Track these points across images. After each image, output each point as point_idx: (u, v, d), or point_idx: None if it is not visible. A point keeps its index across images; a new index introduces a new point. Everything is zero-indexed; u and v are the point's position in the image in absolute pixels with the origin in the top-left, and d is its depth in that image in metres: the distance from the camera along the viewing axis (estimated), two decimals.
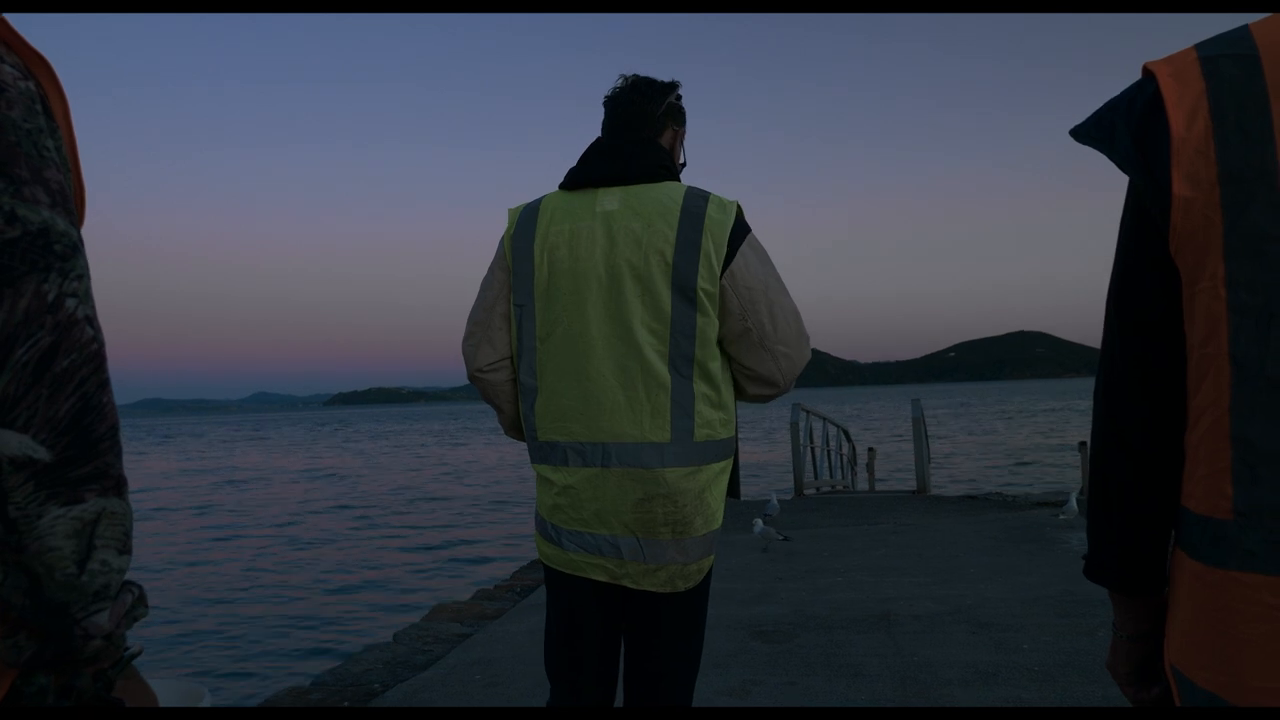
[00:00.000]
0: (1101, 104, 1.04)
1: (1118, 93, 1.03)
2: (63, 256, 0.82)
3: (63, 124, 0.89)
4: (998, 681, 3.71)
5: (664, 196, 1.90)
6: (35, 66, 0.88)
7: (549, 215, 1.97)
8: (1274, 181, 0.88)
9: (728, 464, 1.97)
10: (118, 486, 0.84)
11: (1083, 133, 1.04)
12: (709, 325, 1.86)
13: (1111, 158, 1.00)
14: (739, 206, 1.92)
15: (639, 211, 1.90)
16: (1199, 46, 0.96)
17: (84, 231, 0.90)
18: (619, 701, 2.06)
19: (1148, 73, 0.98)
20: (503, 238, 2.03)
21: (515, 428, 2.10)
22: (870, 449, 17.53)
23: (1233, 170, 0.91)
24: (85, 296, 0.83)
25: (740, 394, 2.01)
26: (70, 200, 0.86)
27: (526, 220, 2.00)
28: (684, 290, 1.85)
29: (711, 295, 1.85)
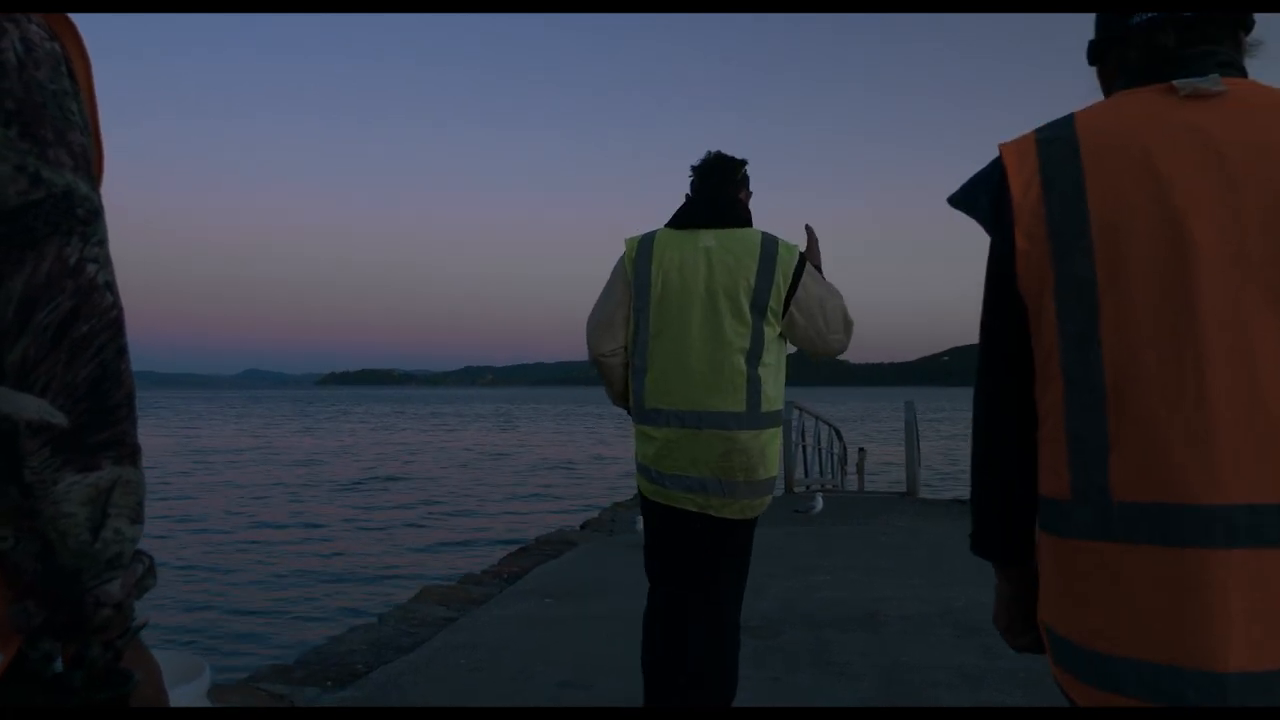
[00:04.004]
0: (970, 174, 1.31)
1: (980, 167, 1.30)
2: (84, 220, 0.81)
3: (84, 86, 0.88)
4: (984, 685, 3.71)
5: (748, 240, 2.69)
6: (59, 27, 0.87)
7: (663, 246, 2.74)
8: (1088, 237, 1.14)
9: (779, 429, 2.77)
10: (133, 455, 0.84)
11: (955, 201, 1.31)
12: (773, 333, 2.67)
13: (977, 219, 1.28)
14: (800, 249, 2.73)
15: (730, 249, 2.67)
16: (1038, 130, 1.24)
17: None
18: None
19: (999, 153, 1.25)
20: (623, 259, 2.79)
21: (621, 398, 2.87)
22: (861, 449, 17.54)
23: (1057, 228, 1.16)
24: (105, 262, 0.83)
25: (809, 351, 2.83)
26: (92, 164, 0.85)
27: (644, 249, 2.76)
28: (759, 308, 2.63)
29: (777, 313, 2.65)
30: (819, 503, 9.38)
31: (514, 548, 7.88)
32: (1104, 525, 1.14)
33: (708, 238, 2.71)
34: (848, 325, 2.78)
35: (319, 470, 26.40)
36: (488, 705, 3.55)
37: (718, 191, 2.79)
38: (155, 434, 44.81)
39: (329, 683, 3.83)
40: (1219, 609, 1.07)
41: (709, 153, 2.87)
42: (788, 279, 2.64)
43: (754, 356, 2.64)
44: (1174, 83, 1.17)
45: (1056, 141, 1.21)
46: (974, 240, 1.32)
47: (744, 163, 2.88)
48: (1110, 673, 1.14)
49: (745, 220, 2.78)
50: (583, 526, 8.92)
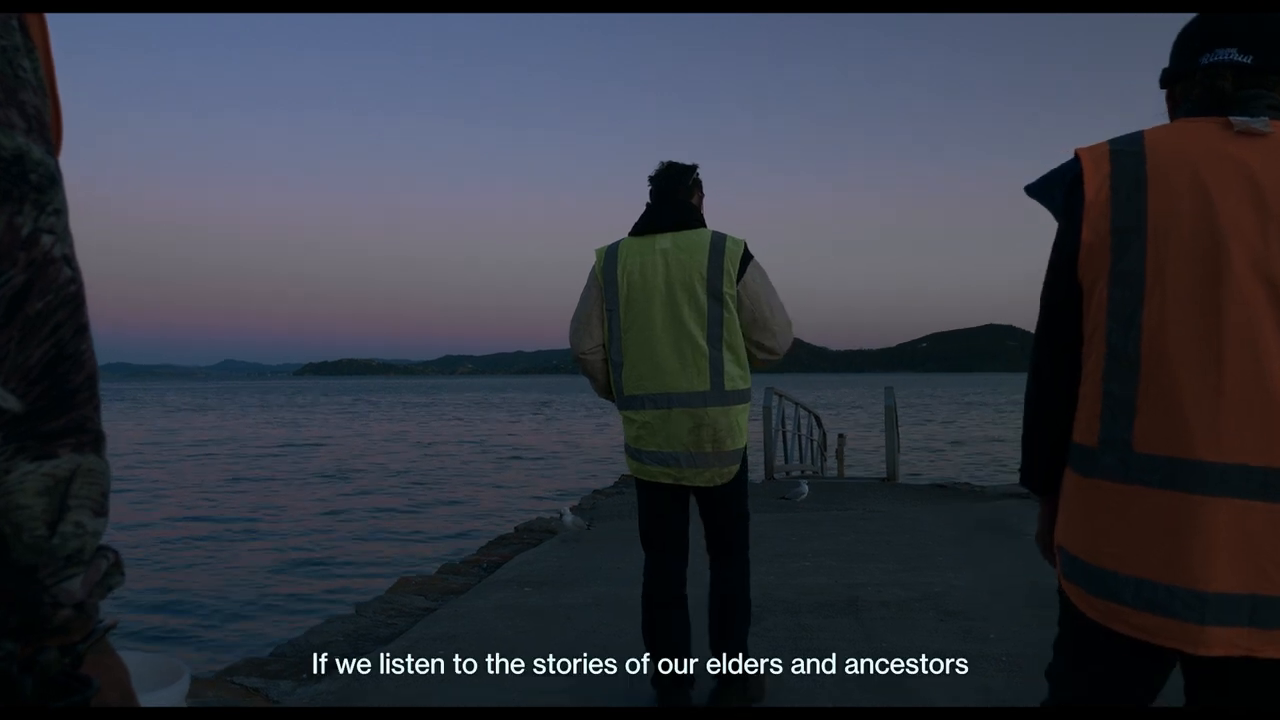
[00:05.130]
0: (1051, 165, 1.59)
1: (1058, 164, 1.57)
2: (38, 188, 0.73)
3: (40, 46, 0.80)
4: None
5: (699, 238, 3.02)
6: None
7: (625, 252, 3.08)
8: (1143, 238, 1.40)
9: (747, 405, 3.07)
10: (95, 442, 0.77)
11: (1032, 190, 1.58)
12: (730, 317, 2.97)
13: (1050, 209, 1.55)
14: (745, 242, 3.02)
15: (684, 248, 3.01)
16: (1111, 142, 1.49)
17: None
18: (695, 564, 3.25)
19: (1076, 156, 1.51)
20: (594, 267, 3.14)
21: (605, 390, 3.20)
22: (840, 435, 17.59)
23: (1119, 226, 1.42)
24: (63, 233, 0.75)
25: (751, 362, 3.07)
26: (48, 128, 0.77)
27: (610, 256, 3.10)
28: (715, 295, 2.96)
29: (732, 296, 2.96)
30: (804, 488, 9.40)
31: (493, 536, 7.83)
32: (1124, 470, 1.44)
33: (664, 241, 3.03)
34: (787, 323, 3.09)
35: (292, 461, 26.21)
36: (466, 694, 3.51)
37: (670, 199, 3.11)
38: (127, 425, 44.31)
39: (304, 675, 3.77)
40: (1209, 544, 1.36)
41: (662, 163, 3.17)
42: (735, 264, 2.97)
43: (715, 339, 2.97)
44: (1230, 119, 1.42)
45: (1128, 154, 1.45)
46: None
47: (694, 168, 3.19)
48: (1114, 586, 1.45)
49: (698, 222, 3.09)
50: (575, 510, 8.87)
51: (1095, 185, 1.45)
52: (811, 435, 15.98)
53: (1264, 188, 1.36)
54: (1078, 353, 1.52)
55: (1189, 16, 1.57)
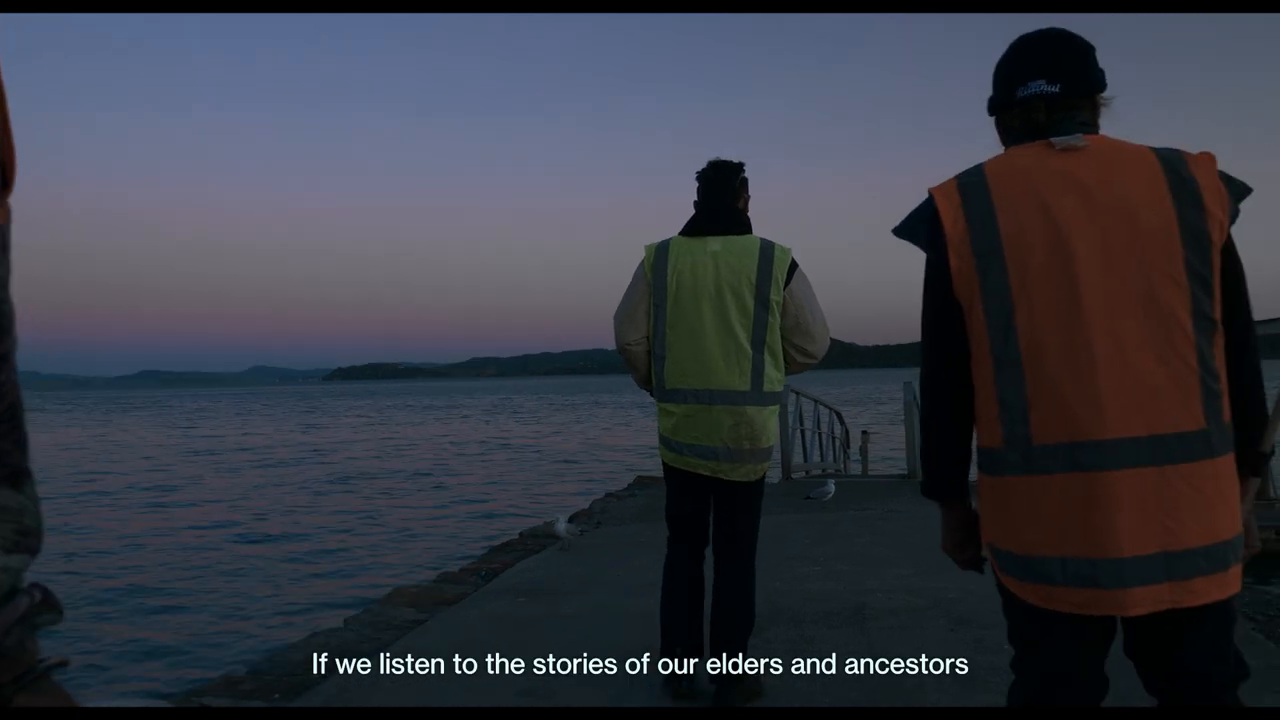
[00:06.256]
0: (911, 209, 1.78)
1: (916, 204, 1.77)
2: None
3: None
4: (974, 684, 3.46)
5: (749, 244, 3.17)
6: None
7: (676, 251, 3.20)
8: (1002, 254, 1.59)
9: (778, 406, 3.24)
10: (13, 477, 0.76)
11: (898, 232, 1.78)
12: (774, 322, 3.12)
13: (918, 245, 1.73)
14: (791, 250, 3.17)
15: (734, 253, 3.14)
16: (958, 177, 1.69)
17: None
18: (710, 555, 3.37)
19: (930, 195, 1.69)
20: (643, 263, 3.26)
21: (645, 381, 3.33)
22: (864, 432, 17.24)
23: (979, 249, 1.60)
24: None
25: (789, 365, 3.23)
26: None
27: (660, 254, 3.22)
28: (762, 300, 3.10)
29: (777, 303, 3.11)
30: (830, 488, 9.17)
31: (498, 542, 7.65)
32: (1027, 463, 1.59)
33: (714, 243, 3.16)
34: (825, 329, 3.25)
35: (305, 467, 26.25)
36: (465, 694, 3.33)
37: (719, 202, 3.25)
38: (153, 432, 44.72)
39: (277, 695, 3.60)
40: (1115, 513, 1.51)
41: (709, 162, 3.28)
42: (784, 272, 3.11)
43: (758, 343, 3.10)
44: (1051, 140, 1.65)
45: (974, 185, 1.66)
46: None
47: (740, 167, 3.29)
48: (1042, 569, 1.58)
49: (746, 227, 3.23)
50: (571, 519, 8.66)
51: (951, 217, 1.64)
52: (833, 433, 15.67)
53: (1091, 190, 1.58)
54: (964, 367, 1.69)
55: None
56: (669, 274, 3.17)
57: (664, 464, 3.34)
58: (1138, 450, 1.51)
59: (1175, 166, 1.59)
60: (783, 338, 3.17)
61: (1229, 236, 1.61)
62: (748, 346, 3.09)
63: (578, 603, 4.93)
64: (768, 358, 3.11)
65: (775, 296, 3.09)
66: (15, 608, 0.75)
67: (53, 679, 0.81)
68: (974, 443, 1.74)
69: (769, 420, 3.18)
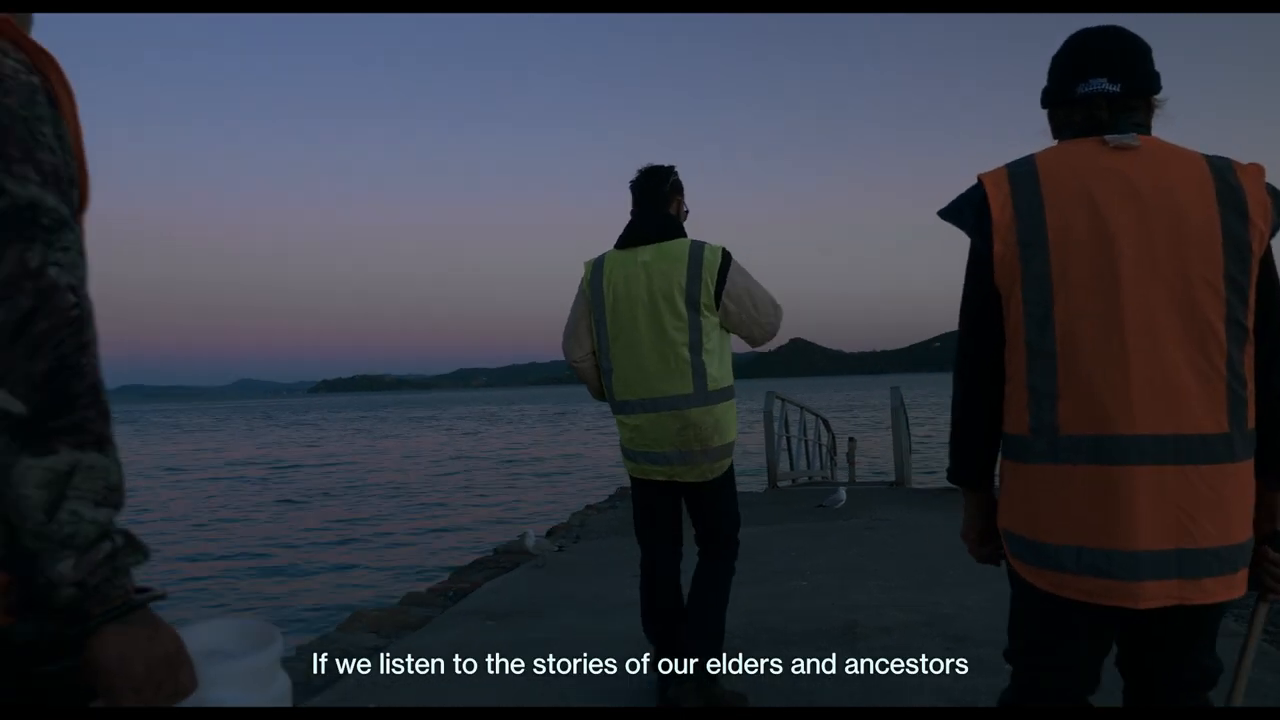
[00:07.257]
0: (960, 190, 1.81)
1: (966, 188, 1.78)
2: (50, 229, 0.90)
3: (69, 117, 0.98)
4: (971, 706, 3.17)
5: (678, 249, 3.15)
6: (42, 63, 0.97)
7: (610, 265, 3.22)
8: (1046, 246, 1.64)
9: (732, 402, 3.21)
10: (98, 442, 0.91)
11: (945, 214, 1.78)
12: (711, 323, 3.11)
13: (963, 229, 1.75)
14: (724, 248, 3.14)
15: (664, 259, 3.13)
16: (1008, 165, 1.72)
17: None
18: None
19: (980, 181, 1.72)
20: (582, 279, 3.29)
21: (599, 394, 3.36)
22: (850, 439, 17.01)
23: (1024, 238, 1.66)
24: (70, 267, 0.91)
25: (751, 343, 3.33)
26: (65, 182, 0.94)
27: (596, 269, 3.25)
28: (693, 304, 3.09)
29: (710, 305, 3.09)
30: (842, 495, 8.99)
31: (470, 560, 7.32)
32: (1054, 452, 1.61)
33: (645, 253, 3.17)
34: (776, 309, 3.24)
35: (272, 483, 25.81)
36: (466, 694, 3.31)
37: (650, 211, 3.26)
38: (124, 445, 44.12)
39: None
40: (1134, 508, 1.55)
41: (640, 170, 3.32)
42: (714, 276, 3.09)
43: (695, 345, 3.09)
44: (1106, 137, 1.66)
45: (1024, 175, 1.67)
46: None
47: (670, 171, 3.31)
48: (1055, 556, 1.62)
49: (677, 232, 3.23)
50: (549, 534, 8.35)
51: (999, 204, 1.65)
52: (819, 440, 15.41)
53: (1140, 189, 1.60)
54: (999, 355, 1.70)
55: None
56: (605, 288, 3.20)
57: (629, 474, 3.39)
58: (1161, 448, 1.55)
59: (1224, 174, 1.61)
60: (735, 330, 3.20)
61: (1268, 247, 1.63)
62: (685, 352, 3.09)
63: (546, 627, 4.61)
64: (707, 358, 3.10)
65: (707, 300, 3.08)
66: (100, 550, 0.91)
67: (151, 610, 0.96)
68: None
69: (721, 417, 3.15)
